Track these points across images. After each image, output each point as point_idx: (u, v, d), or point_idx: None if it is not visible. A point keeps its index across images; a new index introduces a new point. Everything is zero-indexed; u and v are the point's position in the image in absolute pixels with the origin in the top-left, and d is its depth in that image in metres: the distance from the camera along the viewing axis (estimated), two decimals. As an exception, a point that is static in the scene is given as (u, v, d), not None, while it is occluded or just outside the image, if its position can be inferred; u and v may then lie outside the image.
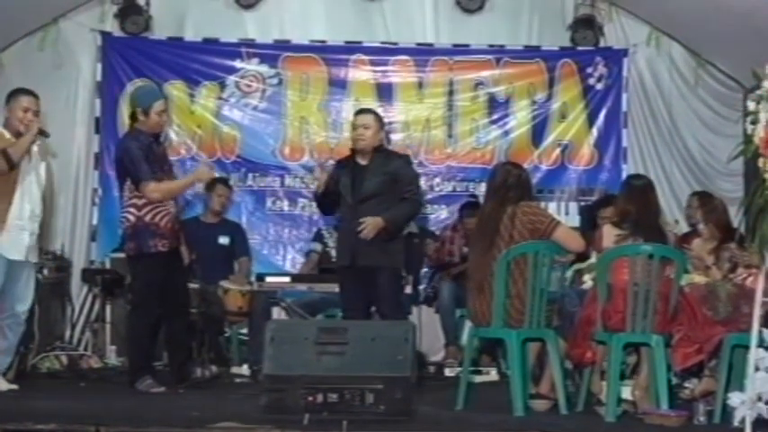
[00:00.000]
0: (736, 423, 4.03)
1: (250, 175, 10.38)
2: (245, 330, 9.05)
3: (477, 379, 8.00)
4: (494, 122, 10.57)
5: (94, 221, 10.23)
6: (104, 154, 10.16)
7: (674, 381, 6.80)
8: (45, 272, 8.71)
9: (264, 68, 10.47)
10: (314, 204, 8.56)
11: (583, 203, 10.20)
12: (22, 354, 7.32)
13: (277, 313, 8.96)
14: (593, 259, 7.32)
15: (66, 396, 7.24)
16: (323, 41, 10.50)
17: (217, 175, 8.96)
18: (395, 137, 10.44)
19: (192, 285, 8.29)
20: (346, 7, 10.44)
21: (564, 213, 10.07)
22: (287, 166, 10.37)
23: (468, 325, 7.60)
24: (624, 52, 10.53)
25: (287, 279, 9.02)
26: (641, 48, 10.52)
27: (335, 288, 7.92)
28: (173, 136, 10.04)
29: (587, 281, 7.41)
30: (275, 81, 10.49)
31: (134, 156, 7.46)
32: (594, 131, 10.55)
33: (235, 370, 8.65)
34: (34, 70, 9.68)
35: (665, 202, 8.62)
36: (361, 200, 7.50)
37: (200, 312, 8.31)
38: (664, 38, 10.48)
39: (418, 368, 6.99)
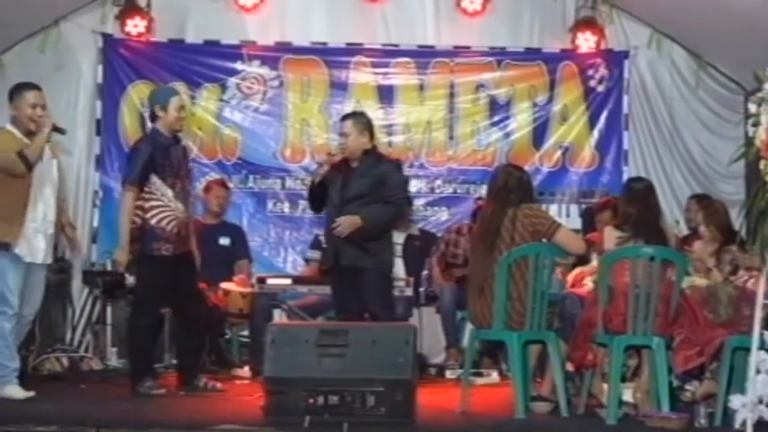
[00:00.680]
0: (737, 426, 4.03)
1: (251, 177, 10.39)
2: (246, 332, 9.06)
3: (479, 381, 8.00)
4: (495, 124, 10.59)
5: (95, 223, 10.25)
6: (105, 156, 10.18)
7: (675, 383, 6.79)
8: (46, 274, 8.70)
9: (265, 70, 10.50)
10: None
11: (584, 206, 10.20)
12: (23, 356, 7.29)
13: (278, 315, 8.96)
14: (594, 262, 7.33)
15: (67, 398, 7.25)
16: (324, 43, 10.52)
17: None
18: (396, 139, 10.48)
19: None
20: (347, 9, 10.46)
21: (565, 216, 10.10)
22: (288, 169, 10.39)
23: (469, 327, 7.60)
24: (625, 54, 10.55)
25: (288, 281, 9.02)
26: (642, 50, 10.54)
27: (336, 290, 7.92)
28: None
29: (588, 283, 7.43)
30: (276, 83, 10.51)
31: (136, 157, 7.47)
32: (595, 134, 10.56)
33: (235, 372, 8.65)
34: (35, 72, 9.65)
35: (665, 205, 8.63)
36: (346, 201, 7.50)
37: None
38: (665, 40, 10.49)
39: (419, 370, 6.98)
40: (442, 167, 10.55)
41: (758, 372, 3.88)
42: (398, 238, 9.19)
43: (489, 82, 10.57)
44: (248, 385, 7.89)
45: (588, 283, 7.45)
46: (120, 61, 10.37)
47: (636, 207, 6.91)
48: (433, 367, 9.06)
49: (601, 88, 10.56)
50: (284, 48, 10.51)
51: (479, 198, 9.80)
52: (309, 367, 6.18)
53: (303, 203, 10.03)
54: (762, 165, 3.77)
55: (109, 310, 9.44)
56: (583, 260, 7.69)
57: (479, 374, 8.22)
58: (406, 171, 10.11)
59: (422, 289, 9.29)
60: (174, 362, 8.10)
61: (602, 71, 10.54)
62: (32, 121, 7.15)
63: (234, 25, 10.46)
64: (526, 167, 8.29)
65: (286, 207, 10.40)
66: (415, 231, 9.70)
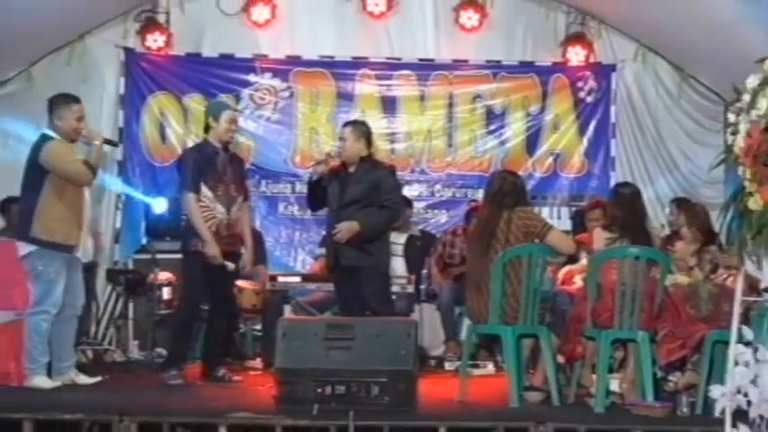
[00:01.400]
0: (716, 414, 4.03)
1: (263, 181, 10.40)
2: (258, 326, 9.07)
3: (475, 372, 7.99)
4: (491, 133, 10.59)
5: (118, 225, 10.25)
6: (127, 162, 10.19)
7: (659, 374, 6.80)
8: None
9: (277, 82, 10.50)
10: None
11: (574, 208, 10.20)
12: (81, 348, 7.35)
13: (289, 311, 8.96)
14: (583, 261, 7.33)
15: (92, 388, 7.24)
16: (331, 57, 10.52)
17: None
18: (398, 146, 10.49)
19: None
20: (353, 25, 10.46)
21: (556, 218, 10.10)
22: (298, 174, 10.38)
23: (466, 322, 7.60)
24: (612, 67, 10.56)
25: (297, 279, 9.03)
26: (628, 63, 10.55)
27: (343, 287, 7.93)
28: (189, 145, 10.05)
29: (577, 280, 7.44)
30: (287, 94, 10.51)
31: (186, 166, 7.53)
32: (585, 141, 10.57)
33: (249, 363, 8.66)
34: (62, 83, 9.63)
35: (650, 208, 8.61)
36: (344, 205, 7.51)
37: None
38: (650, 54, 10.50)
39: (420, 362, 6.99)
40: (441, 173, 10.55)
41: (736, 364, 3.89)
42: (400, 238, 9.21)
43: (486, 93, 10.58)
44: (261, 376, 7.89)
45: (578, 281, 7.46)
46: (141, 73, 10.38)
47: (623, 210, 6.93)
48: (433, 359, 9.07)
49: (590, 99, 10.57)
50: (294, 61, 10.51)
51: (473, 200, 9.85)
52: (318, 359, 6.20)
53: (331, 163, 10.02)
54: (740, 170, 3.77)
55: (130, 305, 9.47)
56: (572, 259, 7.70)
57: (476, 366, 8.21)
58: (408, 176, 10.21)
59: (422, 286, 9.28)
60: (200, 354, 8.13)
61: (591, 83, 10.55)
62: (77, 133, 7.18)
63: (247, 40, 10.46)
64: (520, 173, 8.29)
65: (296, 210, 10.40)
66: (415, 232, 9.70)
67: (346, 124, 7.92)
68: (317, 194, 7.79)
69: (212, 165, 7.48)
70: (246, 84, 10.49)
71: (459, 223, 9.71)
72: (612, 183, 9.72)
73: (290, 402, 6.10)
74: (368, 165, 7.58)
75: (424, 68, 10.55)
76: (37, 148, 7.11)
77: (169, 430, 5.95)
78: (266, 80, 10.51)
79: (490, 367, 8.46)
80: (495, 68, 10.56)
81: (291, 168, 10.47)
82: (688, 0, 8.66)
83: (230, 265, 7.51)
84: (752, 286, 4.18)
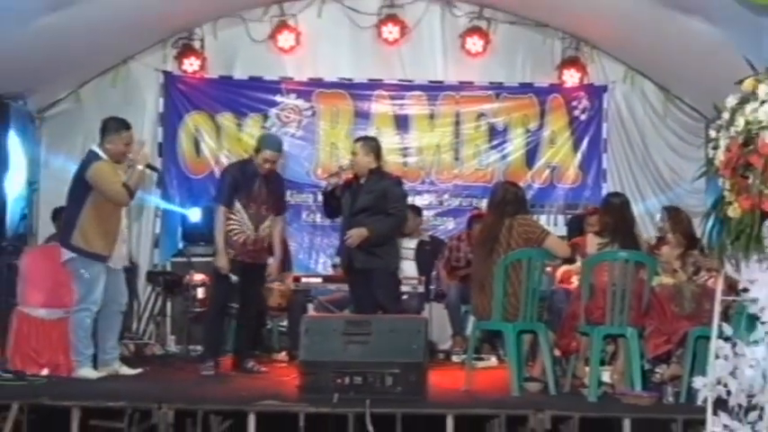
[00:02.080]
0: (699, 403, 4.01)
1: (288, 192, 10.33)
2: (284, 323, 9.06)
3: (480, 364, 7.96)
4: (494, 148, 10.57)
5: (157, 231, 10.27)
6: (165, 174, 10.18)
7: (647, 366, 6.77)
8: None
9: (300, 102, 10.51)
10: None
11: (569, 216, 10.18)
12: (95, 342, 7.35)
13: (311, 309, 8.96)
14: (579, 263, 7.32)
15: (133, 378, 7.26)
16: (350, 79, 10.52)
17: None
18: (410, 160, 10.49)
19: None
20: (369, 50, 10.45)
21: (553, 225, 10.06)
22: (319, 185, 10.27)
23: (471, 319, 7.59)
24: (604, 88, 10.53)
25: (319, 280, 9.04)
26: (618, 84, 10.51)
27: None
28: (223, 160, 10.06)
29: (574, 281, 7.41)
30: (310, 113, 10.51)
31: (224, 182, 7.66)
32: (579, 155, 10.53)
33: (275, 356, 8.66)
34: (107, 103, 9.72)
35: (638, 216, 8.59)
36: (355, 213, 7.49)
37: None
38: (637, 76, 10.47)
39: (430, 355, 6.97)
40: (449, 184, 10.53)
41: (717, 357, 3.87)
42: (411, 243, 9.22)
43: (489, 112, 10.56)
44: (286, 368, 7.89)
45: (575, 281, 7.44)
46: (178, 94, 10.40)
47: (613, 218, 6.92)
48: (442, 353, 9.05)
49: (583, 117, 10.54)
50: (316, 83, 10.51)
51: (476, 208, 9.85)
52: (337, 352, 6.19)
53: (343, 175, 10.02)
54: (720, 182, 3.76)
55: (168, 304, 9.48)
56: (569, 260, 7.67)
57: (480, 359, 8.19)
58: (419, 187, 10.22)
59: (432, 287, 9.26)
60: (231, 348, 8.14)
61: (585, 102, 10.52)
62: (123, 156, 7.21)
63: (274, 64, 10.46)
64: (520, 184, 8.27)
65: (317, 217, 10.38)
66: (425, 238, 9.69)
67: (357, 140, 7.91)
68: (332, 204, 7.78)
69: (249, 184, 7.52)
70: (273, 104, 10.49)
71: (463, 230, 9.70)
72: (604, 193, 9.68)
73: (313, 392, 6.09)
74: (376, 176, 7.57)
75: (434, 89, 10.54)
76: (85, 165, 7.14)
77: (203, 417, 5.97)
78: (291, 100, 10.51)
79: (493, 360, 8.43)
80: (498, 89, 10.54)
81: (313, 180, 10.46)
82: (672, 27, 8.64)
83: (233, 278, 7.49)
84: (731, 287, 4.16)
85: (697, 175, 5.66)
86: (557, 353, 7.10)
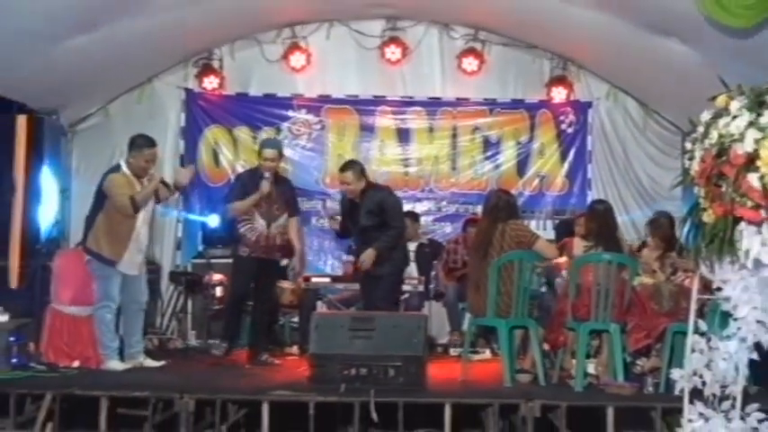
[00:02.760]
0: (676, 392, 4.00)
1: (299, 199, 10.36)
2: (295, 319, 9.06)
3: (475, 357, 7.96)
4: (488, 158, 10.56)
5: (179, 234, 10.27)
6: (187, 183, 10.16)
7: (629, 359, 6.78)
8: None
9: (310, 117, 10.50)
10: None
11: (557, 221, 10.16)
12: (122, 337, 7.35)
13: (321, 306, 8.95)
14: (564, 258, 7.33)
15: (157, 370, 7.27)
16: (356, 96, 10.51)
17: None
18: (411, 170, 10.49)
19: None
20: (374, 69, 10.44)
21: (542, 229, 10.01)
22: (328, 193, 10.38)
23: (467, 316, 7.59)
24: (589, 104, 10.51)
25: (327, 279, 9.04)
26: (602, 101, 10.49)
27: (365, 287, 7.93)
28: (240, 170, 10.05)
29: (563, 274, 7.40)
30: (319, 126, 10.51)
31: (236, 186, 7.87)
32: (566, 165, 10.52)
33: (287, 350, 8.65)
34: (133, 118, 9.74)
35: (621, 221, 8.57)
36: (361, 230, 7.66)
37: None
38: (619, 93, 10.45)
39: (429, 349, 6.97)
40: (446, 191, 10.52)
41: (693, 351, 3.86)
42: (411, 246, 9.19)
43: (483, 125, 10.55)
44: (297, 360, 7.90)
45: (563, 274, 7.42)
46: (199, 110, 10.39)
47: (598, 223, 6.93)
48: (440, 347, 9.03)
49: (570, 130, 10.52)
50: (325, 99, 10.50)
51: (473, 214, 9.83)
52: (344, 346, 6.20)
53: (338, 219, 10.03)
54: (696, 190, 3.76)
55: (189, 301, 9.46)
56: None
57: (476, 352, 8.18)
58: (419, 195, 10.24)
59: (431, 286, 9.26)
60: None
61: (571, 117, 10.51)
62: (144, 171, 7.22)
63: (286, 82, 10.45)
64: (512, 192, 8.28)
65: (326, 222, 10.29)
66: (424, 241, 9.70)
67: (344, 168, 7.82)
68: (342, 233, 8.15)
69: (258, 185, 7.55)
70: (286, 118, 10.49)
71: (460, 233, 9.69)
72: (589, 200, 9.66)
73: (322, 382, 6.11)
74: (370, 192, 7.67)
75: (433, 105, 10.52)
76: (104, 176, 7.24)
77: (221, 405, 5.97)
78: (302, 115, 10.51)
79: (487, 353, 8.43)
80: (491, 105, 10.53)
81: (322, 188, 10.46)
82: (651, 48, 8.63)
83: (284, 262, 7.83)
84: (706, 286, 4.15)
85: (674, 183, 5.68)
86: (546, 347, 7.11)
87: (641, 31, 8.41)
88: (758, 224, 3.49)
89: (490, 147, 10.58)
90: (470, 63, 10.31)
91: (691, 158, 3.80)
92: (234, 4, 9.12)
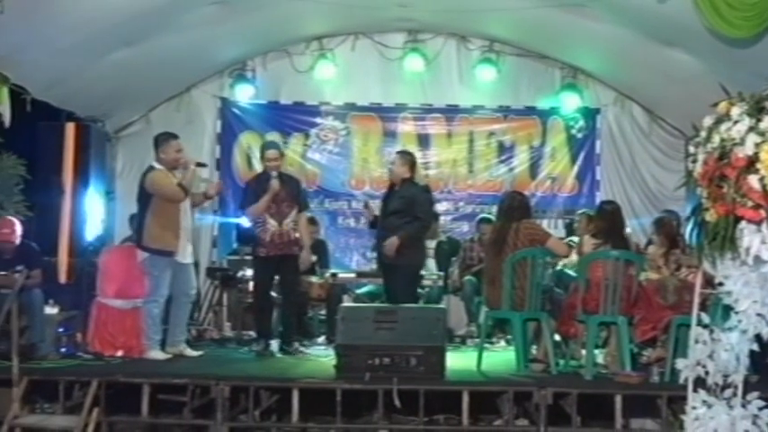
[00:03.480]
0: (681, 381, 3.97)
1: (326, 200, 10.43)
2: (323, 312, 9.07)
3: (491, 348, 7.96)
4: (502, 162, 10.54)
5: (215, 233, 10.31)
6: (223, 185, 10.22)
7: (635, 350, 6.74)
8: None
9: (337, 123, 10.53)
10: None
11: (567, 220, 10.12)
12: (164, 329, 7.38)
13: (347, 299, 8.96)
14: (574, 257, 7.29)
15: (195, 358, 7.30)
16: (379, 104, 10.52)
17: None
18: (431, 172, 10.47)
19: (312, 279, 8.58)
20: (396, 79, 10.43)
21: (554, 227, 10.00)
22: (353, 194, 10.41)
23: (484, 309, 7.57)
24: (597, 110, 10.48)
25: (353, 275, 9.03)
26: (610, 107, 10.46)
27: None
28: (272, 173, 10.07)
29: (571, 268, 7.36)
30: (345, 132, 10.53)
31: (246, 192, 7.81)
32: (576, 168, 10.49)
33: (315, 340, 8.66)
34: (173, 125, 9.67)
35: (627, 220, 8.53)
36: (387, 214, 7.54)
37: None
38: (626, 100, 10.41)
39: (448, 340, 6.96)
40: (463, 193, 10.52)
41: (696, 342, 3.84)
42: (431, 243, 9.17)
43: (498, 131, 10.53)
44: (325, 350, 7.90)
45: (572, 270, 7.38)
46: (233, 117, 10.44)
47: (606, 222, 6.89)
48: (458, 337, 9.01)
49: (580, 135, 10.49)
50: (350, 107, 10.52)
51: (489, 213, 9.80)
52: (369, 337, 6.20)
53: (363, 219, 10.02)
54: (699, 191, 3.74)
55: (225, 295, 9.49)
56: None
57: (491, 343, 8.18)
58: (438, 196, 10.18)
59: (449, 281, 9.25)
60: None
61: (581, 123, 10.48)
62: (177, 162, 7.26)
63: (314, 91, 10.47)
64: (525, 193, 8.24)
65: (351, 222, 10.42)
66: (443, 238, 9.69)
67: (398, 152, 8.02)
68: (373, 226, 8.04)
69: (266, 187, 7.53)
70: (314, 125, 10.52)
71: (476, 233, 9.65)
72: (598, 201, 9.62)
73: (348, 371, 6.10)
74: (408, 184, 7.61)
75: (451, 112, 10.52)
76: (143, 178, 7.28)
77: (254, 392, 6.00)
78: (329, 122, 10.53)
79: (502, 344, 8.42)
80: (506, 112, 10.52)
81: (348, 190, 10.48)
82: (657, 58, 8.59)
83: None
84: (708, 281, 4.13)
85: (678, 185, 5.63)
86: (557, 338, 7.07)
87: (647, 42, 8.37)
88: (758, 223, 3.47)
89: (504, 151, 10.55)
90: (486, 72, 10.28)
91: (694, 161, 3.78)
92: (266, 19, 9.15)
